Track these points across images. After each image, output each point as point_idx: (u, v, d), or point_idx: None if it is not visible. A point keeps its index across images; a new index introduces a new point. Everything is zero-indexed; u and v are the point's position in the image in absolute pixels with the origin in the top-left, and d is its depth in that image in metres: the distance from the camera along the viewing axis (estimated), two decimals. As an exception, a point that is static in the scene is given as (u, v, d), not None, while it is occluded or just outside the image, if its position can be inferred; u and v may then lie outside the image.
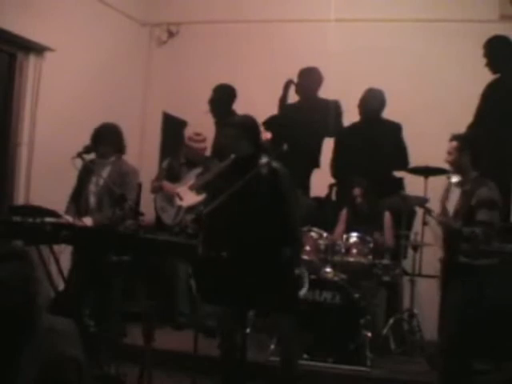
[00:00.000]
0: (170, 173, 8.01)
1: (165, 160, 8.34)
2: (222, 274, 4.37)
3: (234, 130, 5.49)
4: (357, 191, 7.67)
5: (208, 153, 8.44)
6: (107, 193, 6.30)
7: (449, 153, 5.70)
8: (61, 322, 2.70)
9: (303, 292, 6.28)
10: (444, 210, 5.74)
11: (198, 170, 7.93)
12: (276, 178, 5.44)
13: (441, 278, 5.80)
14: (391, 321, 7.05)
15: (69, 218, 6.22)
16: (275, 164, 5.47)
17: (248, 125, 5.56)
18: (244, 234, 5.33)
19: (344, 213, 7.88)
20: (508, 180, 8.08)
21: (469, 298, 5.39)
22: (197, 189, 7.75)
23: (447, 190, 5.82)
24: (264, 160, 5.39)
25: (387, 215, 7.67)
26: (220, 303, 5.02)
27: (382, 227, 7.55)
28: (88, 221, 6.18)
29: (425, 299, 7.62)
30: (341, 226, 7.76)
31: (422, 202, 6.83)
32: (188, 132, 8.53)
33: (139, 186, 8.48)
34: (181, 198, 7.80)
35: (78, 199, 6.48)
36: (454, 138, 5.73)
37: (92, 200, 6.40)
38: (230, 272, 4.38)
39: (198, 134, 8.06)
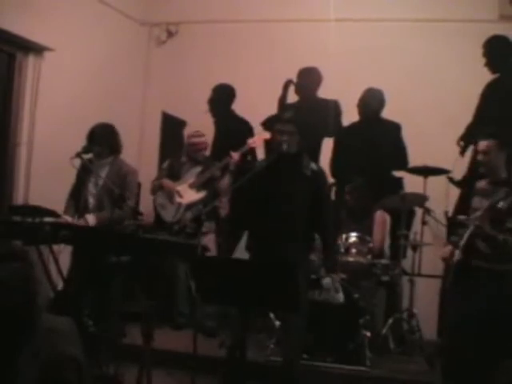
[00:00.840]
0: (171, 173, 8.01)
1: (165, 161, 8.34)
2: (223, 274, 4.36)
3: (290, 125, 5.51)
4: (346, 188, 7.73)
5: (207, 152, 8.44)
6: (106, 194, 6.31)
7: (484, 152, 5.31)
8: (60, 322, 2.70)
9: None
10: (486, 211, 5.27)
11: (198, 169, 7.93)
12: (318, 180, 5.48)
13: (451, 279, 5.59)
14: (390, 320, 7.03)
15: (68, 218, 6.23)
16: (316, 166, 5.51)
17: (297, 122, 5.62)
18: (272, 232, 5.38)
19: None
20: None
21: (487, 301, 5.13)
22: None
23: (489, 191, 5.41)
24: (309, 162, 5.48)
25: (379, 214, 7.65)
26: (220, 303, 5.03)
27: (370, 227, 7.55)
28: (90, 218, 6.18)
29: (424, 299, 7.63)
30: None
31: (422, 200, 6.83)
32: (187, 131, 8.57)
33: (138, 185, 8.50)
34: (181, 196, 7.81)
35: (77, 198, 6.48)
36: (492, 135, 5.36)
37: (91, 201, 6.40)
38: (231, 271, 4.37)
39: (197, 131, 8.09)
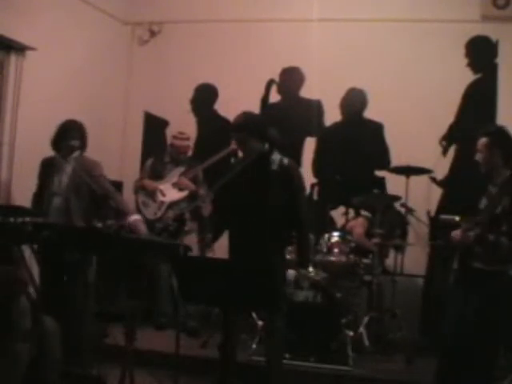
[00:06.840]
0: (154, 172, 8.00)
1: (148, 159, 8.33)
2: (206, 274, 4.36)
3: (240, 134, 5.64)
4: None
5: (190, 152, 8.44)
6: (74, 192, 6.25)
7: (478, 151, 5.12)
8: (42, 322, 2.70)
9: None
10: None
11: (181, 169, 7.94)
12: (287, 174, 5.48)
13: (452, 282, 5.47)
14: (372, 320, 7.05)
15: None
16: (287, 161, 5.53)
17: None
18: (247, 232, 5.39)
19: None
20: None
21: (480, 302, 4.98)
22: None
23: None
24: (279, 157, 5.50)
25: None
26: (202, 303, 5.02)
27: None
28: (138, 217, 6.23)
29: (406, 298, 7.65)
30: None
31: (395, 200, 6.86)
32: (172, 131, 8.54)
33: (120, 184, 8.49)
34: (163, 194, 7.82)
35: (38, 201, 6.41)
36: (484, 133, 5.13)
37: (56, 201, 6.30)
38: (212, 271, 4.37)
39: (182, 133, 8.08)
